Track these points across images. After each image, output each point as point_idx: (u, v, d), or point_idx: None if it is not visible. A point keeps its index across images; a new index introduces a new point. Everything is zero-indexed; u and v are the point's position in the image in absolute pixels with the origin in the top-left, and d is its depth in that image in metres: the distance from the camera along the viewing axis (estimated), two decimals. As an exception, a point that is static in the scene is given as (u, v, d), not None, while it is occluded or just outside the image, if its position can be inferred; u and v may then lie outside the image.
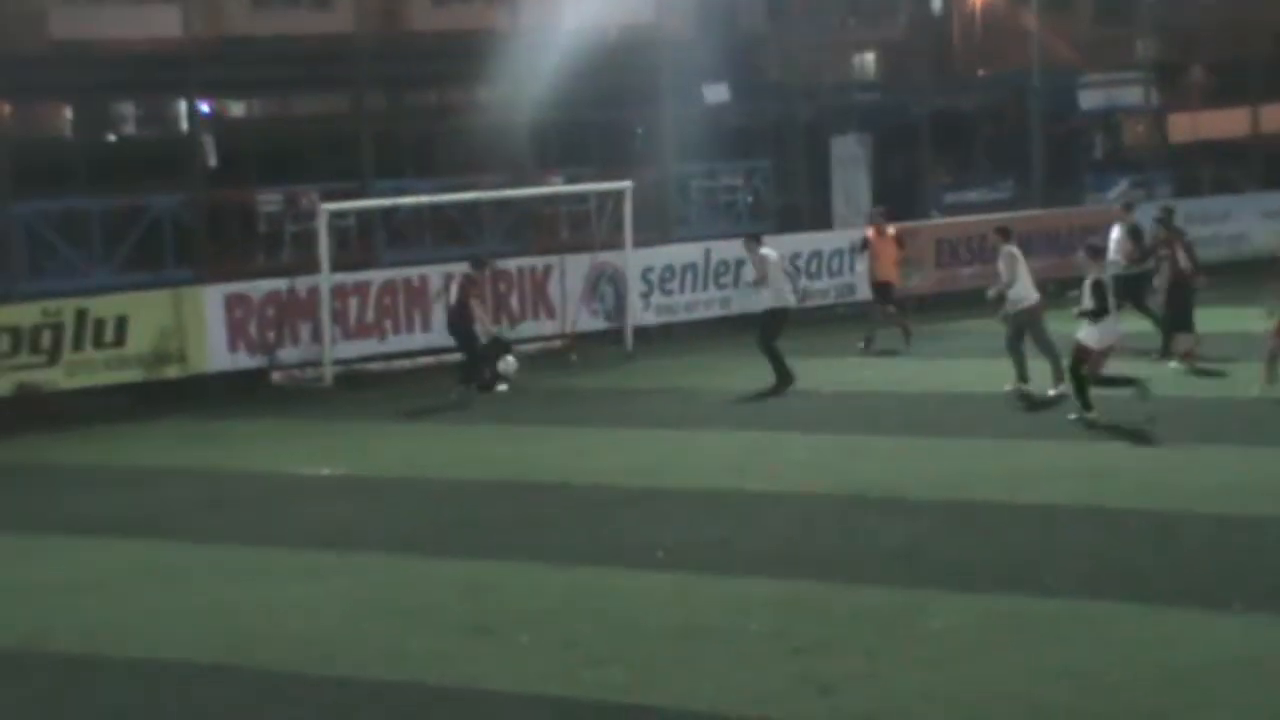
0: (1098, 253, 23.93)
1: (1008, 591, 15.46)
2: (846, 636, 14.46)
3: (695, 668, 13.87)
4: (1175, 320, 27.45)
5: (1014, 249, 25.58)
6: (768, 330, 27.28)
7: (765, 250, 27.68)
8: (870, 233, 31.70)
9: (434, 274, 31.17)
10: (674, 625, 15.08)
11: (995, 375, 26.80)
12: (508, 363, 28.84)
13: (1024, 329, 25.37)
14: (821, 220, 38.67)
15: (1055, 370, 24.69)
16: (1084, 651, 13.72)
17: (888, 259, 31.42)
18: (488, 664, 14.28)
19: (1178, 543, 16.97)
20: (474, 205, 34.61)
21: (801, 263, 35.04)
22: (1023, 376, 25.28)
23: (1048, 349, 25.05)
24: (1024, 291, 25.31)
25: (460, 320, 28.14)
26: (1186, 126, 50.56)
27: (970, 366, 28.31)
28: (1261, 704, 12.39)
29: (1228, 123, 48.66)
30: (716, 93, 40.51)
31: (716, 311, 34.27)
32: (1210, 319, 28.33)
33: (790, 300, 27.73)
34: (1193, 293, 27.42)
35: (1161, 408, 22.67)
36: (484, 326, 28.56)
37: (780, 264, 28.02)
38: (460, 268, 29.53)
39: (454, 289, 28.60)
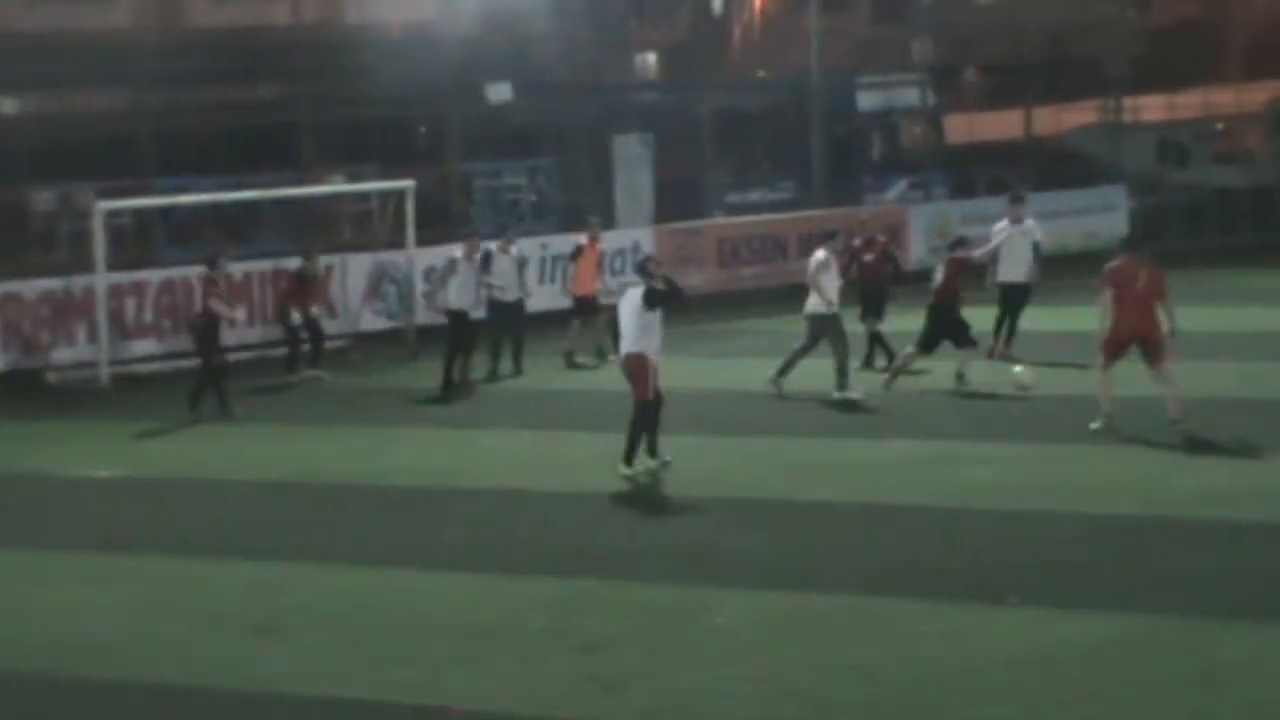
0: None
1: (792, 588, 15.64)
2: (631, 634, 14.55)
3: (481, 667, 13.89)
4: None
5: (822, 254, 25.55)
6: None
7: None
8: (585, 241, 30.80)
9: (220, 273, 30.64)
10: (460, 625, 15.09)
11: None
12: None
13: (821, 335, 25.30)
14: (604, 219, 38.71)
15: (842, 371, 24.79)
16: (867, 647, 13.93)
17: (589, 272, 30.49)
18: (275, 666, 14.19)
19: (957, 538, 17.25)
20: (255, 204, 34.26)
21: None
22: (783, 371, 25.39)
23: (840, 351, 25.01)
24: (830, 296, 25.24)
25: (203, 323, 27.15)
26: (963, 128, 51.44)
27: (753, 366, 28.50)
28: (1039, 693, 12.66)
29: (1003, 124, 49.57)
30: (499, 91, 40.50)
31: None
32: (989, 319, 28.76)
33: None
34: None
35: (947, 404, 23.03)
36: (228, 316, 27.48)
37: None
38: (261, 266, 29.09)
39: (198, 293, 27.76)
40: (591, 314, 29.96)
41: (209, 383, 26.36)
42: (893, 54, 49.07)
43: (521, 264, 30.16)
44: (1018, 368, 24.94)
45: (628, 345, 20.74)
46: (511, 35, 42.20)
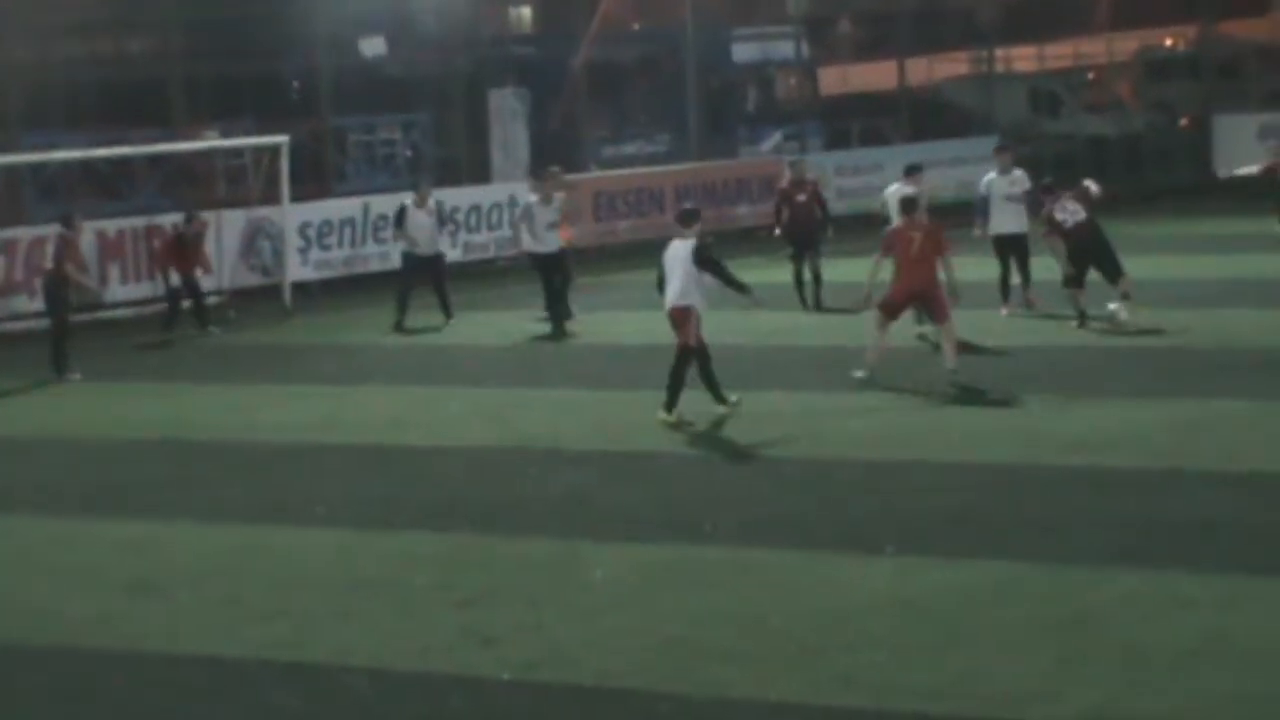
0: None
1: (669, 540, 15.68)
2: (510, 587, 14.54)
3: (359, 622, 13.85)
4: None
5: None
6: None
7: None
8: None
9: (89, 229, 30.33)
10: (337, 580, 15.03)
11: (654, 327, 27.09)
12: None
13: None
14: (480, 174, 38.65)
15: None
16: (744, 596, 13.99)
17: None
18: (149, 624, 14.09)
19: (832, 489, 17.34)
20: (127, 160, 33.91)
21: (461, 217, 34.97)
22: None
23: None
24: None
25: (54, 283, 26.64)
26: (837, 79, 51.58)
27: (629, 319, 28.55)
28: (913, 641, 12.74)
29: (876, 75, 49.74)
30: (373, 45, 40.26)
31: (375, 266, 34.01)
32: (843, 270, 28.83)
33: None
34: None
35: (821, 357, 23.13)
36: (81, 282, 27.11)
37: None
38: (135, 223, 28.73)
39: (49, 250, 27.21)
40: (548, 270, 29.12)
41: (56, 338, 26.12)
42: (767, 6, 49.08)
43: (441, 217, 29.95)
44: (1112, 305, 25.08)
45: (674, 298, 20.61)
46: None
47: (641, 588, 14.40)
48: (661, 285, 20.89)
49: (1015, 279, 26.92)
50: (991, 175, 27.59)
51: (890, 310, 22.42)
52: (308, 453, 20.18)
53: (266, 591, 14.81)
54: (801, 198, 28.88)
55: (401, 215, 29.49)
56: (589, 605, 14.00)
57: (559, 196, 28.69)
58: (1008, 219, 27.10)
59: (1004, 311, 26.48)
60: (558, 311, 27.82)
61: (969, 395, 21.25)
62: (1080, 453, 18.07)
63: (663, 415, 20.37)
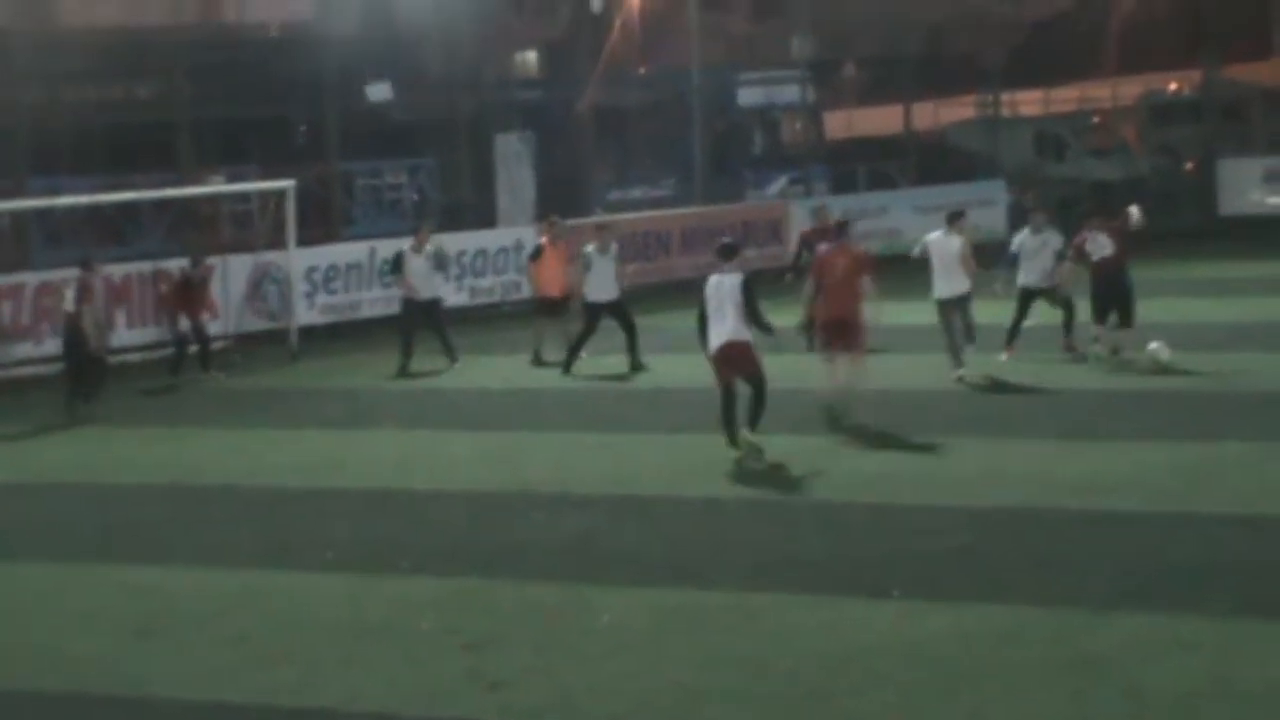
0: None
1: (675, 584, 15.69)
2: (516, 632, 14.56)
3: (365, 666, 13.86)
4: None
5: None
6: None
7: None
8: (544, 240, 30.11)
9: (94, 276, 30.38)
10: (344, 624, 15.05)
11: (660, 370, 27.23)
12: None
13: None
14: (486, 218, 38.73)
15: None
16: (751, 640, 14.00)
17: (553, 272, 29.57)
18: (154, 667, 14.11)
19: (837, 532, 17.36)
20: (133, 204, 34.01)
21: (467, 261, 35.04)
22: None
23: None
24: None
25: (74, 327, 26.66)
26: (842, 123, 51.75)
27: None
28: (920, 683, 12.76)
29: (882, 119, 49.89)
30: (380, 91, 40.40)
31: (381, 310, 34.07)
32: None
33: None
34: None
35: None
36: (86, 331, 26.65)
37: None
38: (141, 267, 28.78)
39: (69, 295, 27.14)
40: (557, 314, 29.38)
41: (69, 382, 26.36)
42: (772, 50, 49.21)
43: (440, 260, 30.00)
44: (1153, 344, 25.08)
45: (731, 334, 20.41)
46: (390, 34, 42.05)
47: (647, 632, 14.41)
48: (703, 323, 20.72)
49: (1028, 322, 26.99)
50: (1024, 234, 27.49)
51: (824, 338, 22.41)
52: (313, 496, 20.21)
53: (272, 635, 14.83)
54: (824, 244, 28.98)
55: (399, 261, 29.63)
56: (595, 649, 14.02)
57: (613, 245, 28.84)
58: (1034, 274, 27.06)
59: (1005, 356, 26.46)
60: (637, 353, 27.98)
61: (864, 436, 21.43)
62: (1086, 495, 18.08)
63: (747, 438, 20.33)
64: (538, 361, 28.92)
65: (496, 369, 28.94)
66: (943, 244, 25.43)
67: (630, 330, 28.09)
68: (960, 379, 24.72)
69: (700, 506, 18.79)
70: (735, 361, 20.56)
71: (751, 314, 20.59)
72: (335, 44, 37.46)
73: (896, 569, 15.73)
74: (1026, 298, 26.98)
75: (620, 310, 28.31)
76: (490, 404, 26.08)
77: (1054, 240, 27.08)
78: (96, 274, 27.57)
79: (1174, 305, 30.37)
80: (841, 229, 23.71)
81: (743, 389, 20.75)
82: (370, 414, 25.69)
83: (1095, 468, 19.33)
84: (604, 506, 18.92)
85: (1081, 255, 26.00)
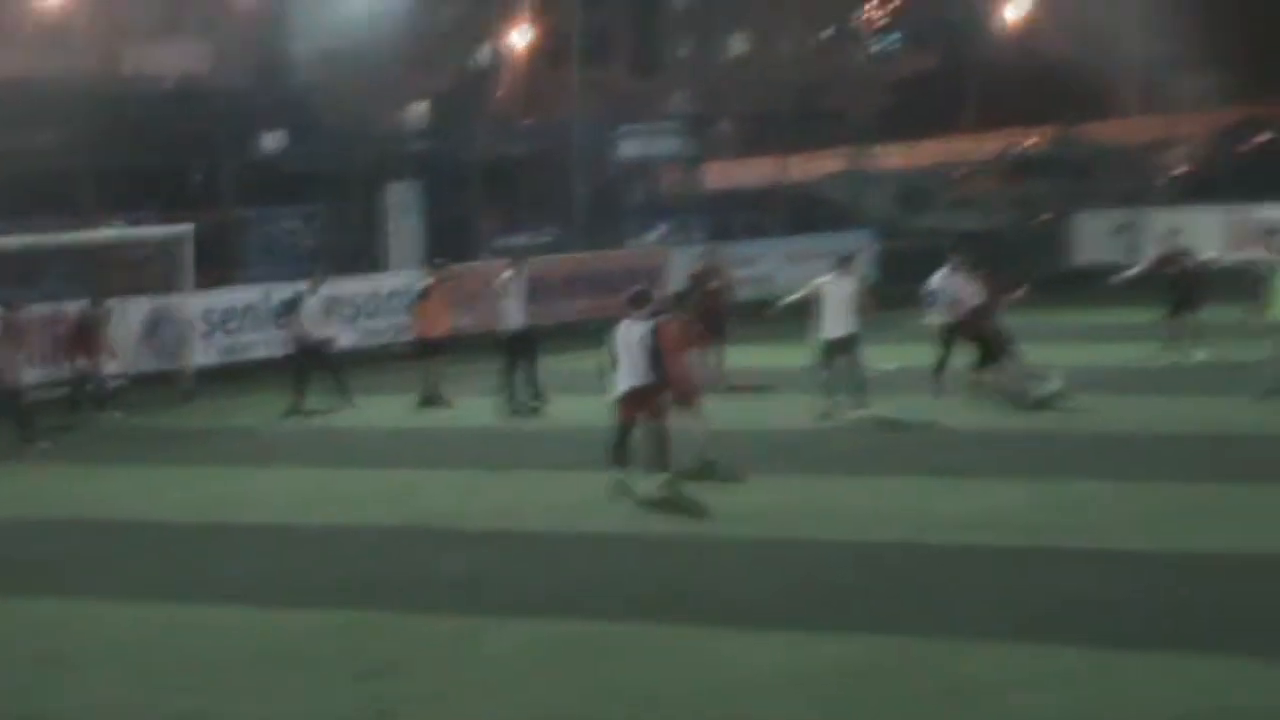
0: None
1: (565, 616, 15.68)
2: (411, 661, 14.51)
3: (265, 696, 13.77)
4: None
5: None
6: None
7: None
8: (432, 281, 29.85)
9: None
10: (245, 655, 14.93)
11: (547, 412, 27.24)
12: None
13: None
14: (377, 263, 38.64)
15: None
16: (639, 671, 14.00)
17: (437, 313, 29.54)
18: (58, 700, 13.94)
19: (724, 566, 17.39)
20: (32, 248, 33.64)
21: (360, 303, 34.93)
22: None
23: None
24: None
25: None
26: (719, 174, 52.00)
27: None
28: (801, 714, 12.81)
29: (756, 171, 50.18)
30: (274, 139, 40.25)
31: (277, 351, 33.87)
32: (740, 355, 29.19)
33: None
34: None
35: (717, 437, 23.17)
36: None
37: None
38: (41, 310, 28.49)
39: None
40: (437, 355, 29.30)
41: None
42: (652, 105, 49.49)
43: (329, 304, 29.91)
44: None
45: (640, 377, 20.44)
46: (284, 86, 41.97)
47: (537, 663, 14.39)
48: (610, 366, 20.69)
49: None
50: (945, 270, 27.74)
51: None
52: (215, 532, 20.05)
53: (174, 667, 14.68)
54: (715, 284, 29.18)
55: (295, 302, 29.58)
56: (488, 679, 13.99)
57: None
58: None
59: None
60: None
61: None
62: (957, 531, 18.21)
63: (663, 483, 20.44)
64: (428, 403, 28.81)
65: (389, 408, 28.84)
66: (836, 287, 25.59)
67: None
68: (827, 415, 24.87)
69: (588, 541, 18.78)
70: (643, 405, 20.60)
71: (657, 360, 20.60)
72: (230, 96, 37.31)
73: (780, 602, 15.78)
74: (949, 333, 27.26)
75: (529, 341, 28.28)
76: (384, 442, 25.98)
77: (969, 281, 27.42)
78: (15, 311, 27.13)
79: (1030, 350, 30.58)
80: (679, 301, 23.57)
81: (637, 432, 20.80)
82: (267, 452, 25.53)
83: (966, 505, 19.48)
84: (495, 541, 18.88)
85: (957, 304, 26.38)
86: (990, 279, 26.80)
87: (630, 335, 20.63)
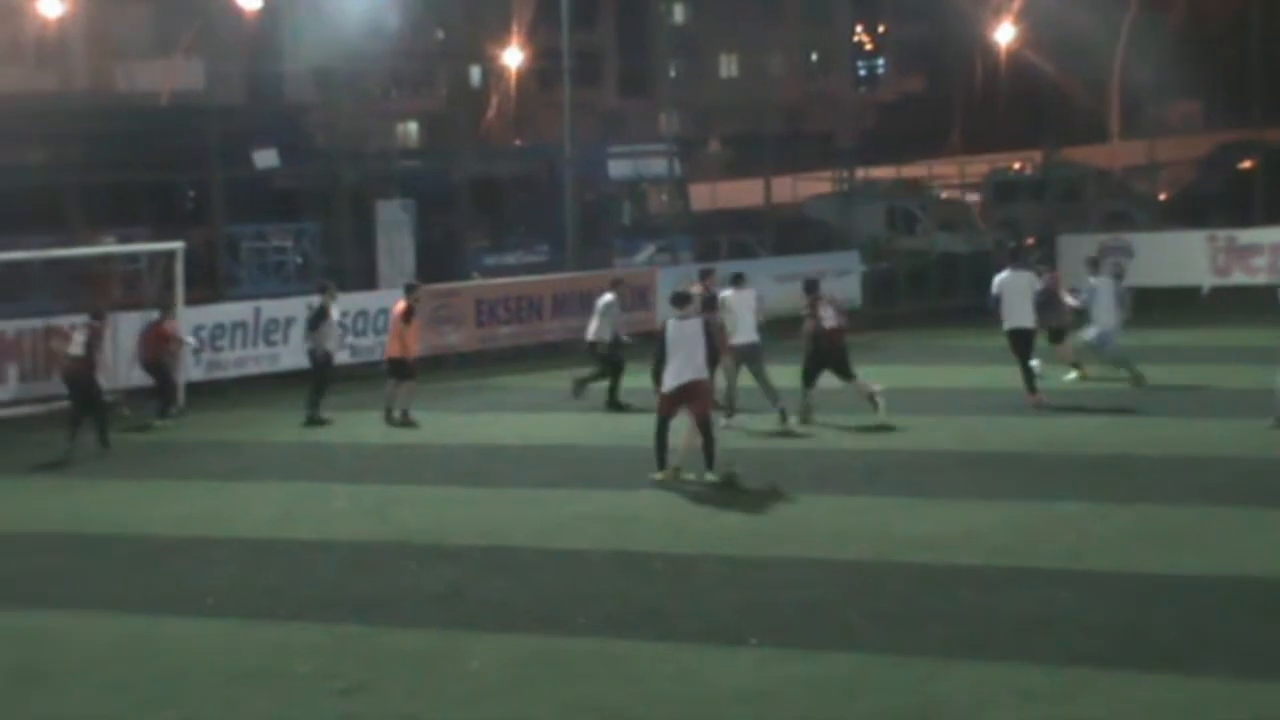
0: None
1: (541, 632, 15.66)
2: (389, 677, 14.48)
3: (243, 711, 13.75)
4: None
5: None
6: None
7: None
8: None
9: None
10: (223, 669, 14.90)
11: (530, 428, 27.20)
12: None
13: None
14: (367, 281, 38.62)
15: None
16: (613, 686, 14.00)
17: (412, 337, 29.49)
18: (36, 712, 13.92)
19: (695, 583, 17.37)
20: (24, 264, 33.64)
21: (349, 321, 34.89)
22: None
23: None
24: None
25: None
26: (706, 195, 52.05)
27: (507, 420, 28.60)
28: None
29: (744, 192, 50.24)
30: (266, 157, 40.25)
31: (266, 368, 33.87)
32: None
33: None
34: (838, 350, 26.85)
35: (689, 456, 23.19)
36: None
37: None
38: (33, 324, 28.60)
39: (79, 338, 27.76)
40: (408, 376, 29.10)
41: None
42: (641, 126, 49.55)
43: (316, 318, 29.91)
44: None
45: (697, 371, 21.61)
46: (277, 104, 41.99)
47: (514, 678, 14.38)
48: (660, 363, 21.82)
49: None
50: (1005, 274, 28.24)
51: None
52: (197, 546, 20.00)
53: (154, 681, 14.66)
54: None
55: (320, 316, 29.56)
56: (464, 694, 13.97)
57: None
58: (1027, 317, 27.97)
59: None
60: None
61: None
62: (929, 550, 18.20)
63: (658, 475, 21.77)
64: (393, 421, 28.71)
65: (374, 424, 28.79)
66: (739, 298, 26.92)
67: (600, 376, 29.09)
68: (726, 427, 25.28)
69: (565, 558, 18.75)
70: (694, 399, 21.63)
71: (713, 355, 22.17)
72: (223, 113, 37.31)
73: (751, 619, 15.76)
74: (1027, 339, 27.75)
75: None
76: (368, 459, 25.93)
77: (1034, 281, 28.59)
78: (105, 322, 28.19)
79: (1003, 372, 30.54)
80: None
81: (675, 423, 21.92)
82: (253, 467, 25.48)
83: (937, 525, 19.45)
84: (474, 557, 18.85)
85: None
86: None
87: (682, 332, 21.54)
